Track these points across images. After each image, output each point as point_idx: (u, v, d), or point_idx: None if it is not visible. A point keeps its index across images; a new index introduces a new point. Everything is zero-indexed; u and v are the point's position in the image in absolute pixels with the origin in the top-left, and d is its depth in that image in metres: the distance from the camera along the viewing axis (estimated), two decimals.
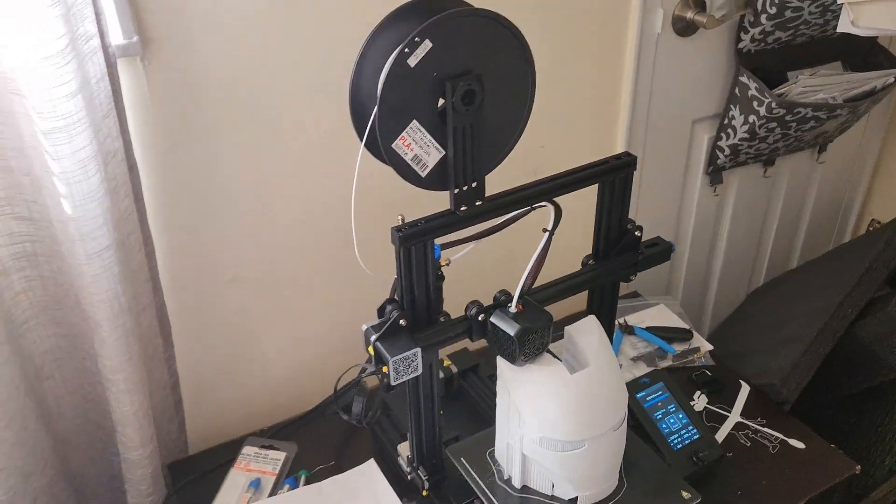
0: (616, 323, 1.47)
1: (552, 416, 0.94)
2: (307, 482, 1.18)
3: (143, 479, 1.14)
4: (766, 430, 1.25)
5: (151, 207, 1.11)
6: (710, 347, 1.42)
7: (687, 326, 1.46)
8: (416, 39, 0.79)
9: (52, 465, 1.11)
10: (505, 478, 1.04)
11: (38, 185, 0.95)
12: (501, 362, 0.96)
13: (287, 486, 1.18)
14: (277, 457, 1.22)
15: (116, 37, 0.97)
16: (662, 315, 1.51)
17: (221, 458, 1.23)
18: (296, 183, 1.21)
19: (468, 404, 1.28)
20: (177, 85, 1.06)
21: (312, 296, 1.32)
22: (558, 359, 0.97)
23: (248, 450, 1.24)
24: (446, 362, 1.31)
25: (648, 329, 1.45)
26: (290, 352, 1.36)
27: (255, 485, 1.17)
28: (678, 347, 1.42)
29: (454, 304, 0.98)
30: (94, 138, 0.90)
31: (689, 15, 1.38)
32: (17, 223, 0.99)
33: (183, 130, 1.09)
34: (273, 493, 1.16)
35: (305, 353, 1.37)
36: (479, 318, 0.94)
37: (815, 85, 1.43)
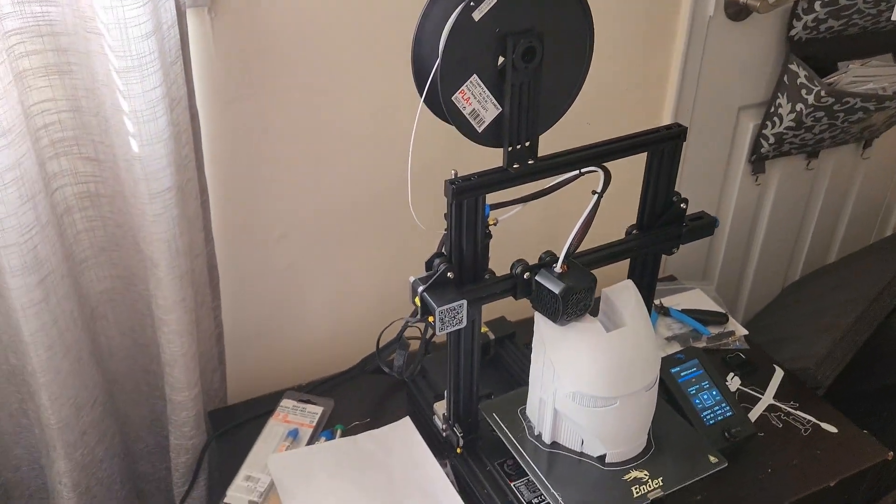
0: (651, 304, 1.48)
1: (586, 372, 0.96)
2: (343, 436, 1.21)
3: (187, 422, 1.18)
4: (798, 413, 1.25)
5: (209, 158, 1.15)
6: (745, 332, 1.42)
7: (722, 310, 1.47)
8: None
9: (101, 402, 1.15)
10: (535, 433, 1.06)
11: (106, 126, 0.99)
12: (539, 318, 0.98)
13: (323, 438, 1.21)
14: (315, 410, 1.26)
15: None
16: (698, 299, 1.52)
17: (260, 409, 1.26)
18: (350, 140, 1.24)
19: (504, 371, 1.30)
20: (241, 39, 1.09)
21: (359, 256, 1.35)
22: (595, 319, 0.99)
23: (286, 402, 1.27)
24: (483, 329, 1.33)
25: (684, 311, 1.46)
26: (333, 310, 1.39)
27: (294, 435, 1.20)
28: (713, 330, 1.43)
29: (499, 264, 1.00)
30: (164, 81, 0.94)
31: None
32: (83, 163, 1.03)
33: (244, 84, 1.13)
34: (310, 443, 1.20)
35: (348, 313, 1.40)
36: (525, 277, 0.96)
37: (866, 75, 1.43)
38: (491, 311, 1.17)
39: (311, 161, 1.23)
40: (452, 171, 0.93)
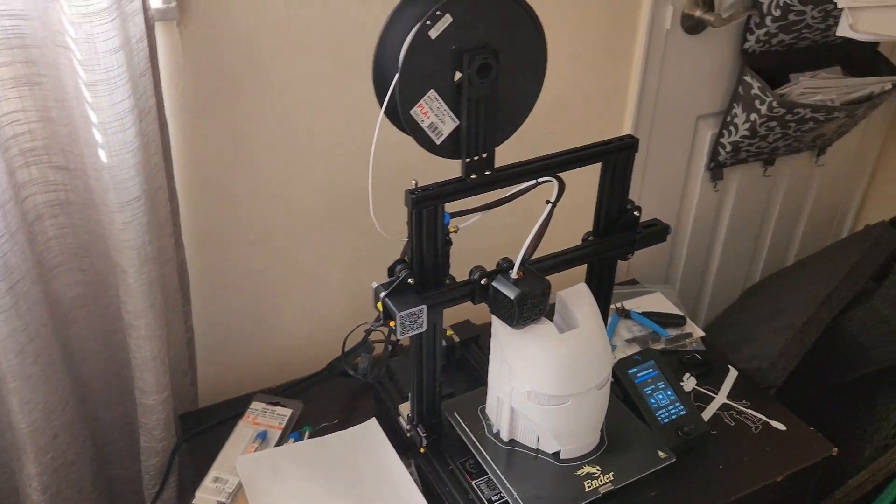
0: (613, 307, 1.53)
1: (540, 372, 1.00)
2: (311, 437, 1.24)
3: (157, 425, 1.20)
4: (749, 411, 1.30)
5: (178, 166, 1.17)
6: (702, 333, 1.48)
7: (681, 313, 1.52)
8: (438, 13, 0.85)
9: (72, 406, 1.17)
10: (494, 431, 1.10)
11: (76, 136, 1.02)
12: (496, 320, 1.02)
13: (292, 440, 1.24)
14: (284, 413, 1.28)
15: (156, 1, 1.04)
16: (659, 302, 1.57)
17: (230, 412, 1.29)
18: (318, 150, 1.27)
19: (469, 373, 1.34)
20: (210, 50, 1.12)
21: (329, 261, 1.39)
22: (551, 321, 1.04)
23: (256, 405, 1.30)
24: (449, 332, 1.37)
25: (644, 314, 1.51)
26: (303, 314, 1.42)
27: (263, 436, 1.23)
28: (671, 332, 1.48)
29: (460, 270, 1.04)
30: (132, 93, 0.97)
31: (698, 13, 1.44)
32: (53, 172, 1.06)
33: (213, 94, 1.16)
34: (279, 445, 1.22)
35: (319, 316, 1.43)
36: (482, 282, 1.00)
37: (815, 87, 1.49)
38: (457, 314, 1.21)
39: (281, 168, 1.26)
40: (413, 181, 0.97)
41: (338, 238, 1.37)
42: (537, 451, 1.07)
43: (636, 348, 1.44)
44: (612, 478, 1.04)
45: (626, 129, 1.53)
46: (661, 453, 1.07)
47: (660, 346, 1.45)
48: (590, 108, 1.49)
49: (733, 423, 1.28)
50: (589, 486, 1.03)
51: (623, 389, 1.25)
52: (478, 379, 1.31)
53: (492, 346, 1.06)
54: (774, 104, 1.46)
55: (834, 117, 1.51)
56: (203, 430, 1.27)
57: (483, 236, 1.27)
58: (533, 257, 1.04)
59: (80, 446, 1.20)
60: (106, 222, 1.04)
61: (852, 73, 1.61)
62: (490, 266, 1.02)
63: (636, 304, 1.55)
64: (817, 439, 1.25)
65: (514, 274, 0.98)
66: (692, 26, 1.46)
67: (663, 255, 1.78)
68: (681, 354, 1.43)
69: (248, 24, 1.13)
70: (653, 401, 1.24)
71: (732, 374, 1.38)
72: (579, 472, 1.04)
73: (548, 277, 1.06)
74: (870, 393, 1.54)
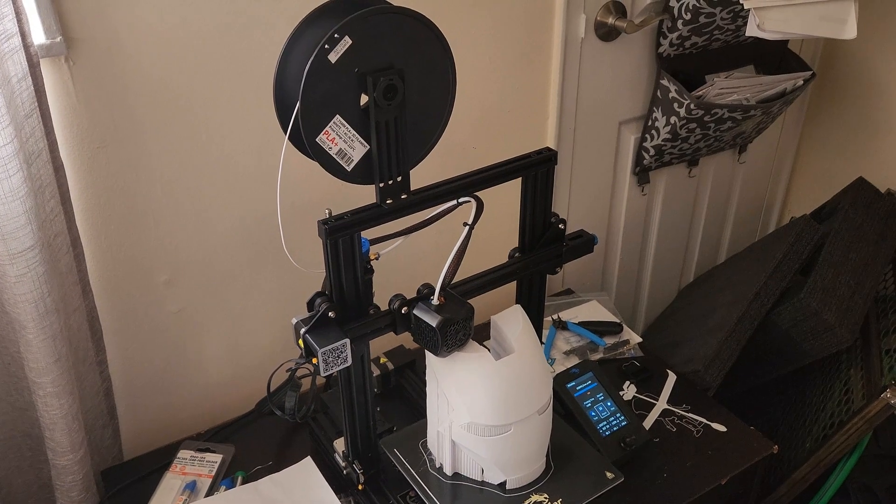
0: (550, 319, 1.51)
1: (478, 402, 0.97)
2: (244, 483, 1.18)
3: (74, 486, 1.13)
4: (690, 415, 1.30)
5: (80, 209, 1.11)
6: (640, 340, 1.47)
7: (617, 320, 1.51)
8: (336, 36, 0.82)
9: None
10: (437, 466, 1.06)
11: None
12: (428, 353, 0.99)
13: (223, 487, 1.17)
14: (214, 459, 1.22)
15: (39, 36, 0.97)
16: (595, 310, 1.56)
17: (157, 462, 1.22)
18: (228, 182, 1.22)
19: (405, 400, 1.30)
20: (104, 86, 1.06)
21: (249, 296, 1.33)
22: (486, 348, 1.00)
23: (183, 453, 1.23)
24: (382, 359, 1.33)
25: (580, 324, 1.50)
26: (227, 354, 1.36)
27: (191, 487, 1.17)
28: (609, 340, 1.47)
29: (388, 298, 1.00)
30: (16, 136, 0.90)
31: (611, 20, 1.44)
32: None
33: (111, 132, 1.09)
34: (209, 494, 1.16)
35: (244, 355, 1.37)
36: (403, 311, 0.96)
37: (730, 87, 1.51)
38: (391, 340, 1.17)
39: (191, 203, 1.20)
40: (326, 211, 0.93)
41: (258, 273, 1.31)
42: (482, 483, 1.04)
43: (575, 360, 1.42)
44: None
45: (550, 140, 1.52)
46: (608, 474, 1.05)
47: (598, 355, 1.44)
48: (511, 121, 1.47)
49: (675, 429, 1.28)
50: None
51: (563, 404, 1.23)
52: (415, 406, 1.27)
53: (427, 378, 1.02)
54: (692, 106, 1.47)
55: (751, 115, 1.53)
56: (127, 486, 1.19)
57: (410, 260, 1.24)
58: (458, 279, 1.01)
59: None
60: None
61: (765, 71, 1.64)
62: (415, 293, 0.99)
63: (573, 315, 1.54)
64: (758, 438, 1.25)
65: (435, 300, 0.95)
66: (606, 33, 1.46)
67: (597, 263, 1.77)
68: (619, 362, 1.42)
69: (141, 55, 1.07)
70: (593, 413, 1.22)
71: (671, 378, 1.38)
72: (527, 502, 1.01)
73: (478, 298, 1.03)
74: (806, 386, 1.56)
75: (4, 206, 0.91)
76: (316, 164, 0.90)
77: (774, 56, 1.63)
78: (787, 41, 1.64)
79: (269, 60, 0.89)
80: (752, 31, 1.31)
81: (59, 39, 0.99)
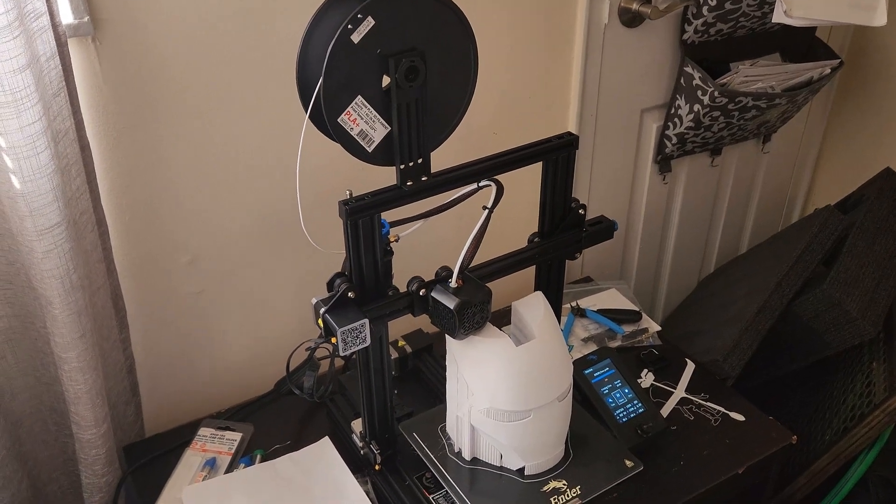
0: (569, 306, 1.51)
1: (498, 388, 0.97)
2: (263, 461, 1.20)
3: (97, 460, 1.15)
4: (708, 404, 1.29)
5: (105, 188, 1.12)
6: (658, 328, 1.47)
7: (636, 308, 1.51)
8: (359, 16, 0.82)
9: (5, 446, 1.11)
10: (455, 451, 1.07)
11: None
12: (448, 337, 0.99)
13: (242, 465, 1.19)
14: (233, 437, 1.24)
15: (67, 16, 0.99)
16: (614, 298, 1.55)
17: (177, 440, 1.24)
18: (251, 163, 1.23)
19: (423, 384, 1.31)
20: (130, 66, 1.07)
21: (271, 277, 1.34)
22: (507, 334, 1.00)
23: (204, 431, 1.25)
24: (401, 342, 1.33)
25: (599, 311, 1.49)
26: (248, 334, 1.37)
27: (211, 464, 1.18)
28: (627, 328, 1.46)
29: (407, 280, 1.00)
30: (44, 115, 0.91)
31: (635, 6, 1.43)
32: None
33: (137, 112, 1.11)
34: (229, 471, 1.18)
35: (264, 335, 1.38)
36: (421, 293, 0.97)
37: (756, 75, 1.49)
38: (409, 323, 1.17)
39: (214, 184, 1.22)
40: (347, 192, 0.93)
41: (277, 254, 1.32)
42: (501, 468, 1.04)
43: (593, 347, 1.42)
44: (578, 492, 1.01)
45: (571, 127, 1.52)
46: (627, 462, 1.05)
47: (616, 343, 1.44)
48: (533, 107, 1.47)
49: (692, 418, 1.27)
50: (556, 502, 1.00)
51: (580, 391, 1.23)
52: (432, 390, 1.28)
53: (448, 363, 1.03)
54: (716, 94, 1.46)
55: (776, 104, 1.51)
56: (148, 462, 1.21)
57: (430, 244, 1.24)
58: (477, 263, 1.01)
59: (16, 489, 1.13)
60: (25, 251, 0.99)
61: (791, 59, 1.61)
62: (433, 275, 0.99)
63: (591, 302, 1.54)
64: (776, 428, 1.24)
65: (453, 283, 0.95)
66: (630, 19, 1.45)
67: (617, 251, 1.77)
68: (638, 350, 1.42)
69: (167, 37, 1.08)
70: (610, 400, 1.22)
71: (690, 367, 1.37)
72: (545, 488, 1.02)
73: (497, 284, 1.03)
74: (827, 377, 1.54)
75: (32, 182, 0.92)
76: (336, 150, 0.90)
77: (801, 44, 1.61)
78: (814, 29, 1.62)
79: (290, 43, 0.89)
80: (778, 17, 1.29)
81: (86, 19, 1.00)
